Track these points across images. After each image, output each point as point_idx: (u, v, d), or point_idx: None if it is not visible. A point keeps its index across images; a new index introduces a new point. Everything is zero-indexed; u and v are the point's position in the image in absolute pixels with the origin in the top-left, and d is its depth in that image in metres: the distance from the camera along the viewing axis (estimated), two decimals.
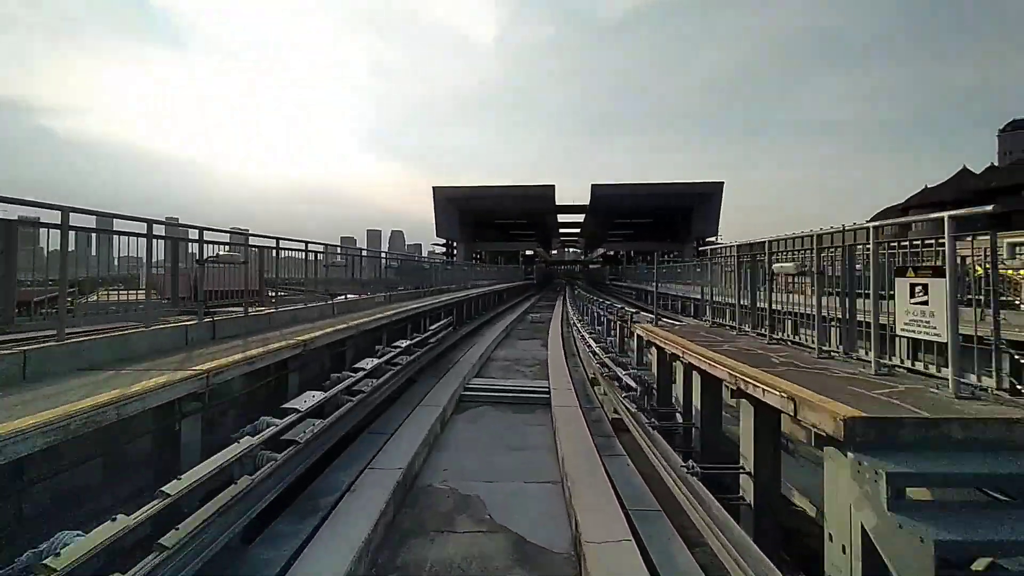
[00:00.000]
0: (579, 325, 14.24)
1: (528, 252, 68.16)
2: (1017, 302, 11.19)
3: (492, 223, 57.78)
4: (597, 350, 9.01)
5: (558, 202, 48.97)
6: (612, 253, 71.56)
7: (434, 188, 43.75)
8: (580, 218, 62.81)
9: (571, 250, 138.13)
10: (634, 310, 13.51)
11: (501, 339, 16.65)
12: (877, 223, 4.99)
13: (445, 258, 43.16)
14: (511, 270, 45.38)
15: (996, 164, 71.73)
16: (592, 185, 41.46)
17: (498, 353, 14.12)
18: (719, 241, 45.22)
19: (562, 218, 61.70)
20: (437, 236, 45.03)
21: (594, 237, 72.80)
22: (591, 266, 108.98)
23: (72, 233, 4.37)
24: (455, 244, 48.09)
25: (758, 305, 6.70)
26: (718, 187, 40.62)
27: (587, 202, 50.39)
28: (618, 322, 14.24)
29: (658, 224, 54.60)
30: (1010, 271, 11.93)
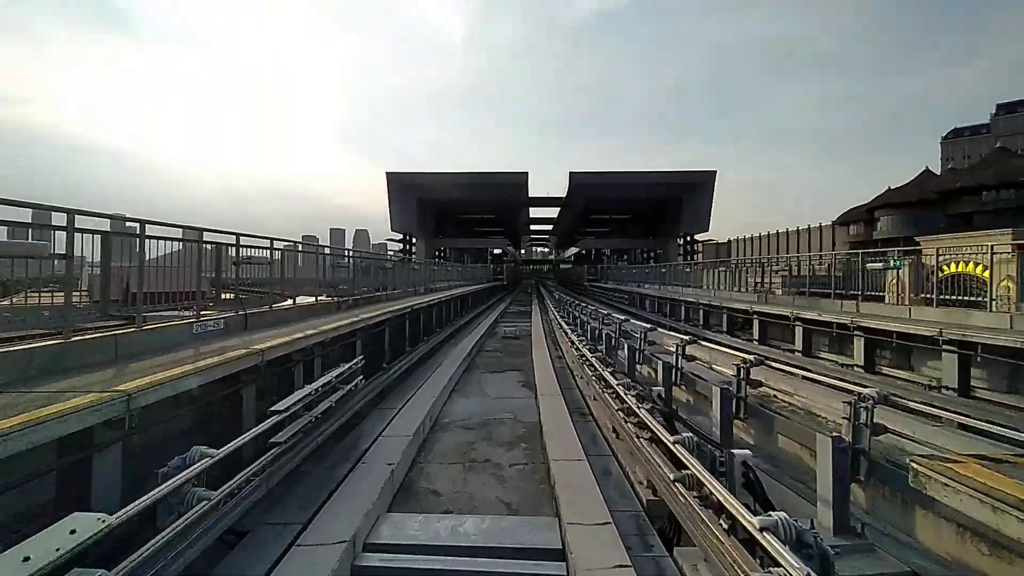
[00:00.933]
0: (604, 369, 8.50)
1: (496, 250, 62.35)
2: (983, 300, 9.69)
3: (457, 217, 51.90)
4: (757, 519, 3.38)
5: (530, 195, 43.61)
6: (584, 252, 66.76)
7: (388, 174, 37.50)
8: (553, 213, 57.78)
9: (538, 249, 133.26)
10: (688, 337, 8.13)
11: (461, 373, 11.03)
12: None
13: (402, 255, 36.99)
14: (479, 270, 39.76)
15: (953, 168, 71.61)
16: (570, 173, 36.30)
17: (454, 409, 8.45)
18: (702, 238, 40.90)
19: (534, 213, 56.46)
20: (392, 230, 38.85)
21: (567, 234, 67.93)
22: (561, 266, 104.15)
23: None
24: (413, 240, 41.95)
25: None
26: (710, 176, 36.22)
27: (561, 195, 45.37)
28: (643, 350, 8.86)
29: (639, 219, 50.15)
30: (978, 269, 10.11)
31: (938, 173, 72.79)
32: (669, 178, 36.50)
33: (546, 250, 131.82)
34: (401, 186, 37.92)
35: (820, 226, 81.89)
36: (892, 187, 74.64)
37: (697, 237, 39.81)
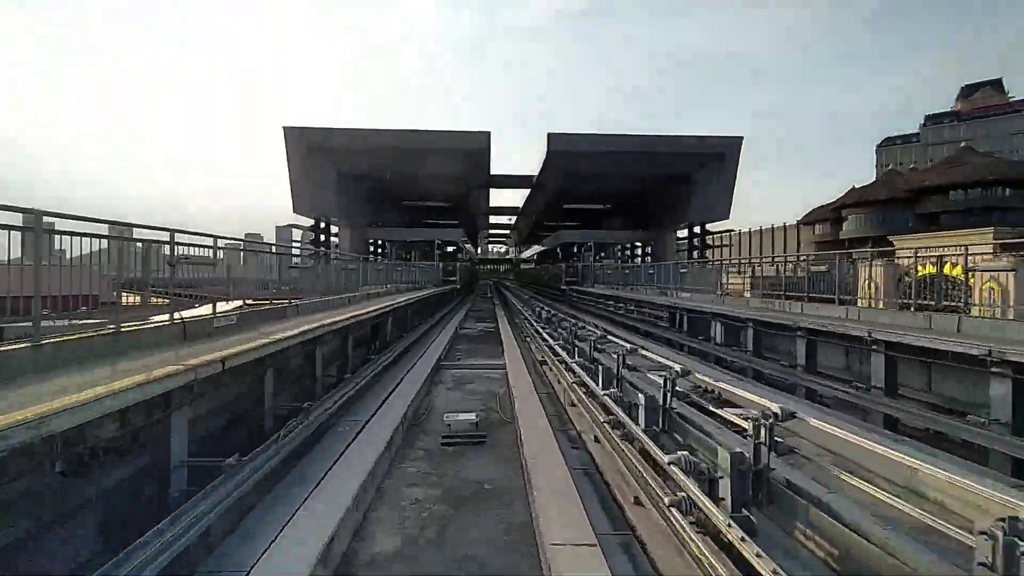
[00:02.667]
0: None
1: (450, 247, 50.49)
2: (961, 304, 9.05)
3: (400, 204, 40.64)
4: None
5: (493, 171, 33.28)
6: (550, 249, 56.59)
7: (286, 130, 25.94)
8: (516, 202, 47.69)
9: (495, 248, 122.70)
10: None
11: None
12: None
13: (315, 250, 25.68)
14: (424, 270, 29.00)
15: (915, 167, 70.94)
16: (549, 135, 26.24)
17: None
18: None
19: (494, 200, 46.08)
20: (295, 213, 27.27)
21: (534, 227, 57.91)
22: (522, 266, 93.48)
23: None
24: (330, 227, 30.43)
25: None
26: (733, 146, 27.19)
27: (529, 172, 35.37)
28: None
29: (625, 207, 40.83)
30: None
31: (874, 178, 69.88)
32: (680, 145, 27.12)
33: (503, 248, 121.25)
34: (309, 149, 26.51)
35: (784, 225, 77.65)
36: (856, 186, 72.54)
37: (709, 227, 30.71)
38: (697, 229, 31.72)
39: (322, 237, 30.37)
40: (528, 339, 15.95)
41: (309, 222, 29.75)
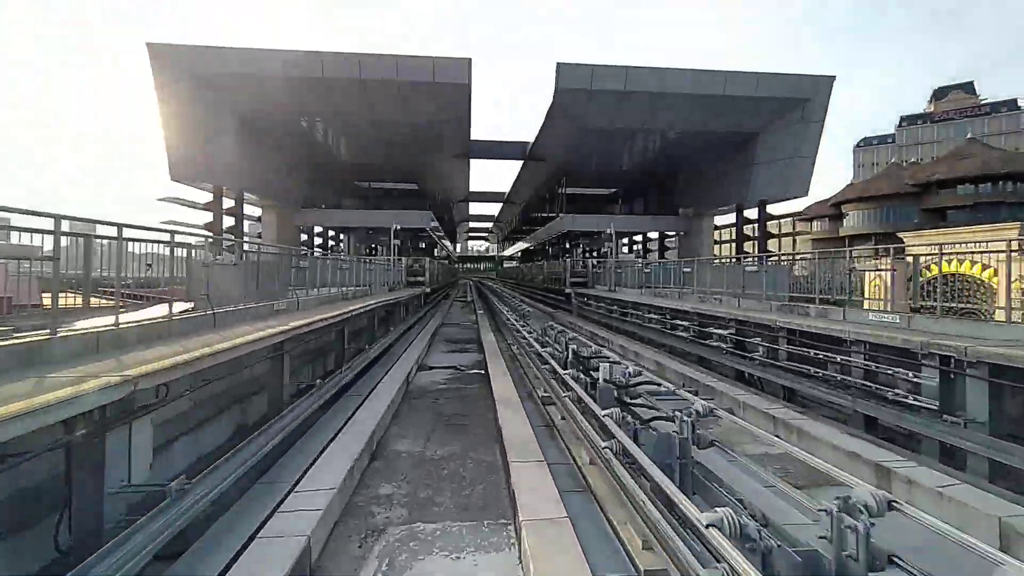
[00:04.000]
0: None
1: (422, 242, 40.68)
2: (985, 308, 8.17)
3: (348, 179, 31.22)
4: None
5: (474, 140, 24.36)
6: (534, 246, 47.57)
7: (150, 48, 16.41)
8: (503, 187, 38.82)
9: (474, 245, 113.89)
10: None
11: None
12: None
13: (207, 236, 16.36)
14: (377, 270, 19.92)
15: (915, 162, 71.56)
16: (558, 64, 17.43)
17: None
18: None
19: (477, 183, 36.92)
20: (173, 178, 17.67)
21: (520, 221, 48.98)
22: (505, 264, 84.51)
23: None
24: (242, 205, 20.86)
25: None
26: (822, 89, 18.88)
27: (520, 141, 26.80)
28: None
29: (642, 186, 32.38)
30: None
31: (852, 180, 68.55)
32: (747, 85, 18.54)
33: (484, 246, 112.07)
34: (193, 80, 17.08)
35: (779, 222, 72.64)
36: (853, 182, 69.26)
37: (769, 208, 22.36)
38: (750, 213, 23.45)
39: (229, 221, 20.85)
40: (555, 407, 7.13)
41: (208, 197, 20.21)
